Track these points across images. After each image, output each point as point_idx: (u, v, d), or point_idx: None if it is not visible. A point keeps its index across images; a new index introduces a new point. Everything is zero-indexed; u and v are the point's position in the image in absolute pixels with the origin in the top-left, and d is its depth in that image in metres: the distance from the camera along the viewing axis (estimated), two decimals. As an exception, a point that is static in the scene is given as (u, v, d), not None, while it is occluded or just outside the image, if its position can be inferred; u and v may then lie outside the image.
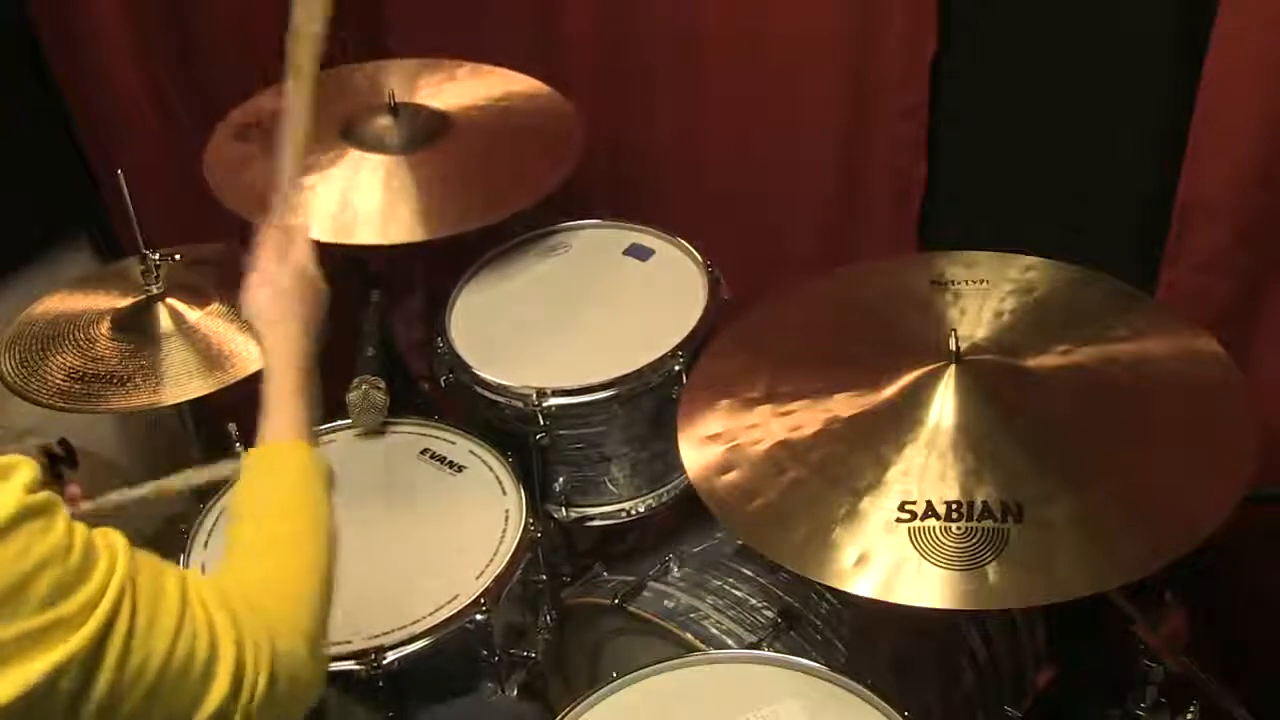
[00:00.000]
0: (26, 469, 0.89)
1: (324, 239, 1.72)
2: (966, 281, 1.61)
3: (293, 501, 1.15)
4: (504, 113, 2.04)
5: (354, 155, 1.91)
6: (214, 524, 1.70)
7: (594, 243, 2.03)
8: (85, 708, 0.90)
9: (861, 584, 1.27)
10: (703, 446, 1.47)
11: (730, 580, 1.69)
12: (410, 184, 1.87)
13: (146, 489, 1.51)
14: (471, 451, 1.80)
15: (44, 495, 0.89)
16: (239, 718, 0.98)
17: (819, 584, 1.51)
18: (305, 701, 1.06)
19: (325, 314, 1.32)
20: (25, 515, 0.87)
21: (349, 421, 1.80)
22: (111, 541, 0.94)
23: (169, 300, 1.81)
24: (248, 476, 1.17)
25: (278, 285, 1.30)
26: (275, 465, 1.18)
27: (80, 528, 0.91)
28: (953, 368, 1.43)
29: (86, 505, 1.41)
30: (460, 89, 2.07)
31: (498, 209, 1.87)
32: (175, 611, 0.95)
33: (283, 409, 1.21)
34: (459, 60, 2.14)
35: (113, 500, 1.47)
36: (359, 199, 1.84)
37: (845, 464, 1.38)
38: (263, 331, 1.27)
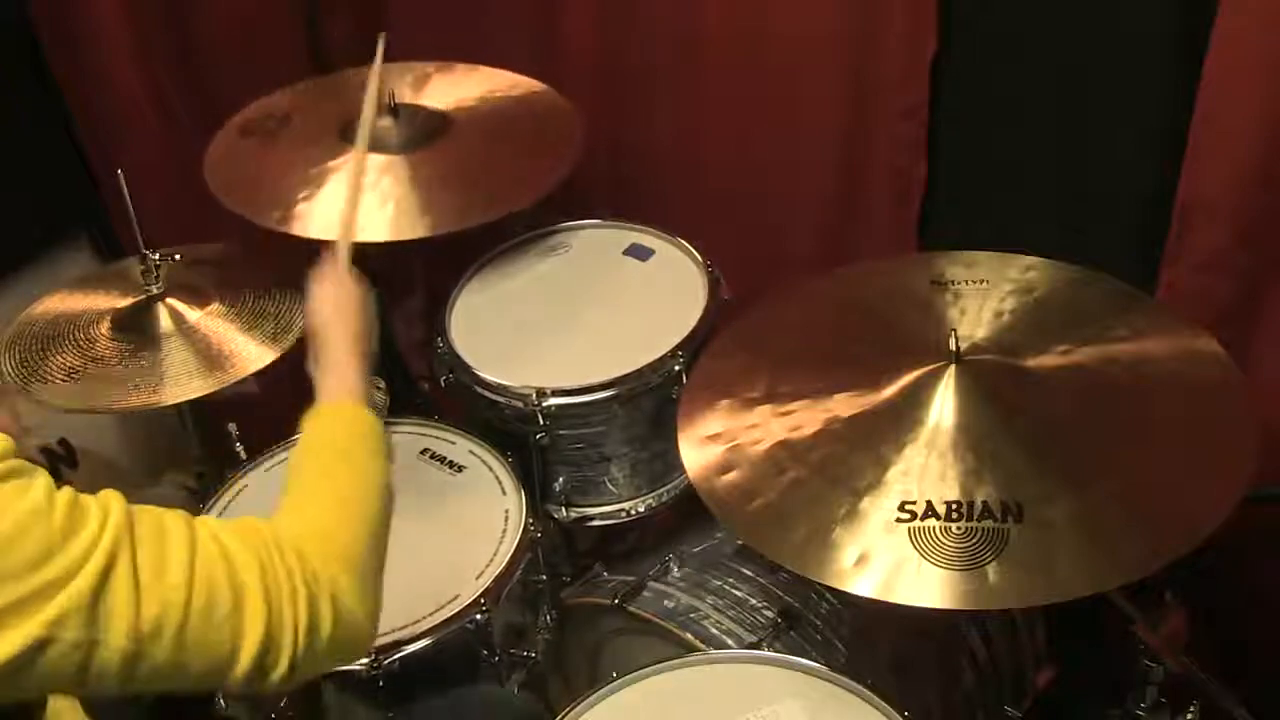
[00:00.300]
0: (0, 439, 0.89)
1: (325, 237, 1.73)
2: (966, 281, 1.61)
3: (343, 457, 1.16)
4: (503, 112, 2.03)
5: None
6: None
7: (594, 243, 2.03)
8: (104, 662, 0.89)
9: (861, 584, 1.27)
10: (703, 446, 1.47)
11: (730, 580, 1.69)
12: (410, 183, 1.86)
13: None
14: (471, 451, 1.80)
15: (16, 461, 0.89)
16: (286, 658, 0.96)
17: (819, 584, 1.51)
18: (358, 646, 1.04)
19: (374, 322, 1.39)
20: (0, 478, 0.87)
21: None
22: (104, 499, 0.93)
23: (169, 300, 1.81)
24: (305, 432, 1.19)
25: (340, 292, 1.36)
26: (330, 424, 1.20)
27: (66, 490, 0.91)
28: (953, 368, 1.43)
29: None
30: (459, 89, 2.07)
31: (497, 207, 1.87)
32: (185, 557, 0.93)
33: (344, 375, 1.25)
34: (458, 62, 2.14)
35: None
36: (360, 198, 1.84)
37: (845, 464, 1.38)
38: (327, 323, 1.33)
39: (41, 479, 0.90)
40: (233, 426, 1.84)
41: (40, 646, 0.86)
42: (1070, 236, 1.83)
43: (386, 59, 2.11)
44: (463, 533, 1.67)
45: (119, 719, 1.51)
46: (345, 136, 1.93)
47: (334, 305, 1.35)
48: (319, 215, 1.80)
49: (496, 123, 2.01)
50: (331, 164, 1.88)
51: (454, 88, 2.08)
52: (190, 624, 0.92)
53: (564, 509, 1.86)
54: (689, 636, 1.57)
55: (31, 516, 0.87)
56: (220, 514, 1.71)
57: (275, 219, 1.79)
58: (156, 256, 1.81)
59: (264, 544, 0.98)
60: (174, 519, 0.96)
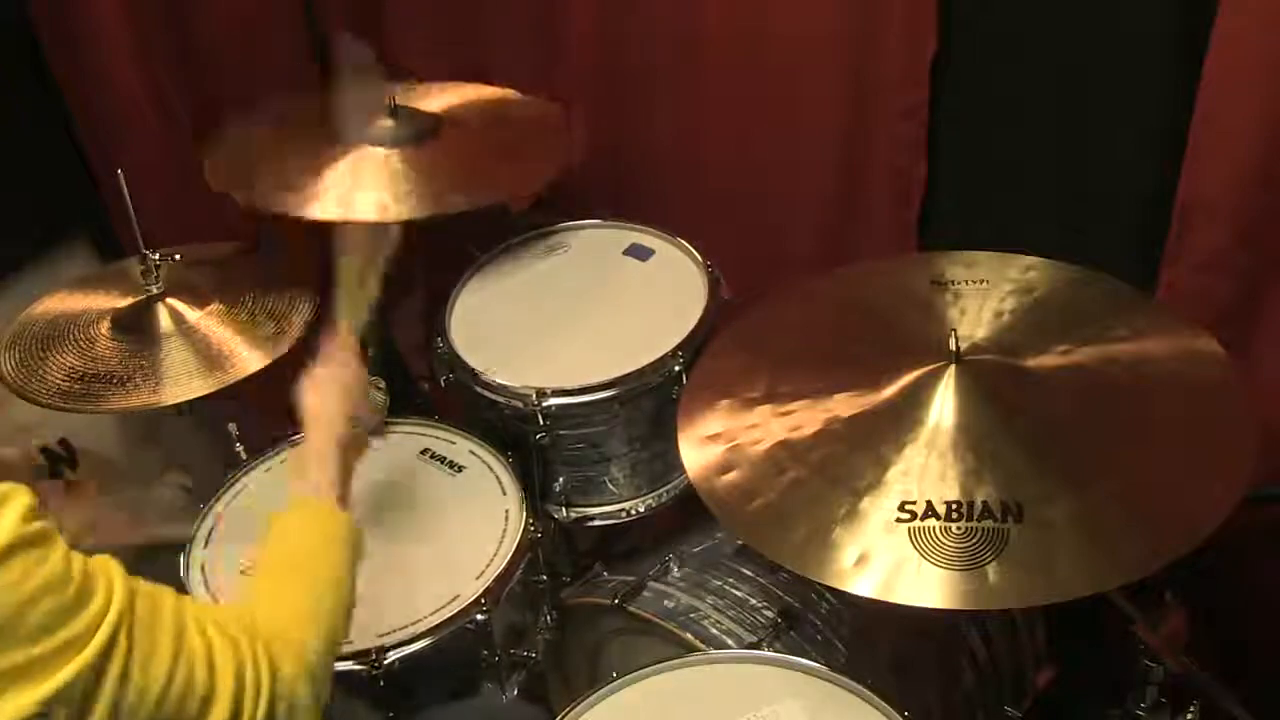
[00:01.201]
0: (23, 496, 0.90)
1: (330, 217, 1.74)
2: (966, 281, 1.61)
3: (316, 556, 1.21)
4: (496, 113, 2.03)
5: (357, 150, 1.89)
6: (211, 527, 1.70)
7: (594, 243, 2.03)
8: None
9: (861, 584, 1.27)
10: (703, 446, 1.47)
11: (730, 580, 1.69)
12: (408, 171, 1.86)
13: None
14: (471, 451, 1.80)
15: (40, 525, 0.90)
16: None
17: (819, 584, 1.51)
18: None
19: (365, 410, 1.46)
20: (21, 545, 0.88)
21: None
22: (108, 570, 0.95)
23: (169, 300, 1.81)
24: (279, 525, 1.23)
25: (329, 377, 1.42)
26: (306, 520, 1.25)
27: (77, 557, 0.93)
28: (953, 368, 1.43)
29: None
30: (456, 94, 2.08)
31: (493, 191, 1.87)
32: (172, 639, 0.97)
33: (322, 469, 1.30)
34: (457, 69, 2.14)
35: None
36: (362, 182, 1.83)
37: (845, 464, 1.38)
38: (308, 409, 1.38)
39: (59, 544, 0.92)
40: (233, 426, 1.84)
41: (43, 715, 0.88)
42: (1070, 236, 1.83)
43: (385, 62, 2.12)
44: (463, 533, 1.67)
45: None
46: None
47: (328, 389, 1.40)
48: (323, 201, 1.79)
49: (492, 122, 2.01)
50: (333, 159, 1.88)
51: (451, 93, 2.08)
52: (164, 708, 0.95)
53: (564, 509, 1.86)
54: (689, 636, 1.57)
55: (49, 585, 0.89)
56: (223, 509, 1.72)
57: (277, 201, 1.79)
58: (156, 256, 1.81)
59: (245, 644, 1.03)
60: (167, 603, 0.99)
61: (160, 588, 1.00)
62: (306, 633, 1.12)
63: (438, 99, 2.07)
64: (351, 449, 1.38)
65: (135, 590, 0.96)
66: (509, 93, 2.10)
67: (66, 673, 0.88)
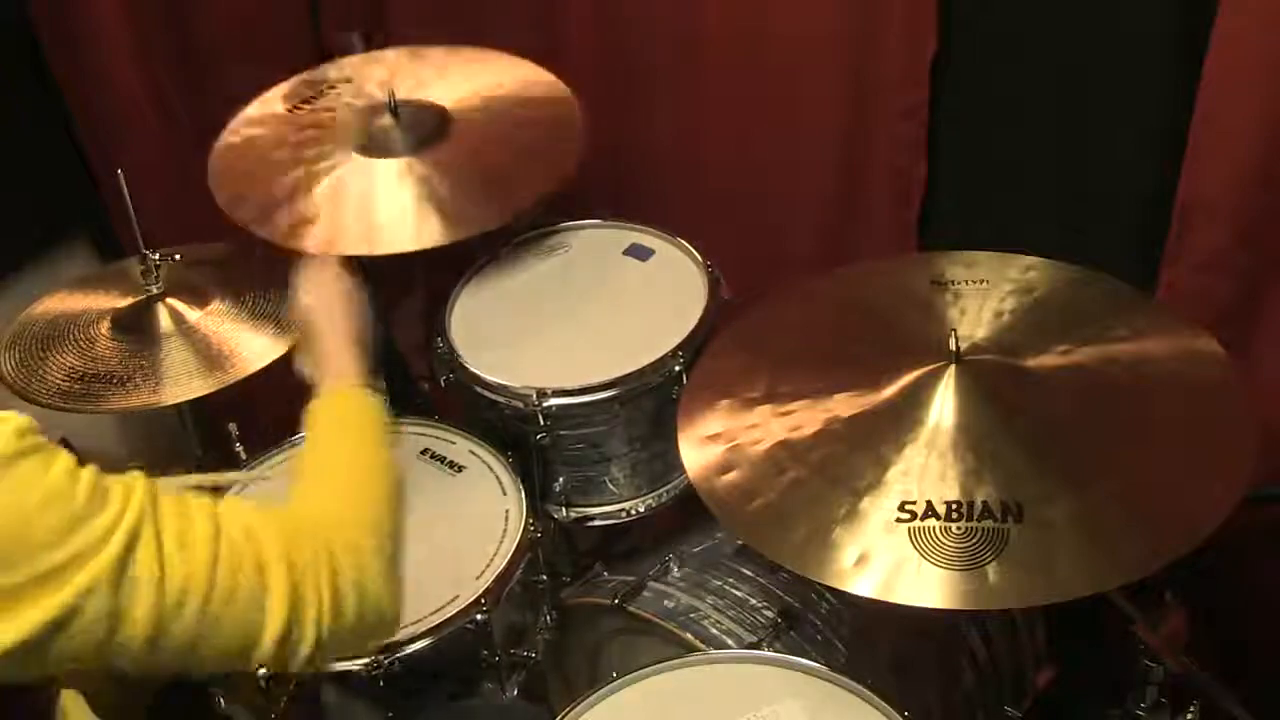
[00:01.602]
0: (16, 419, 0.90)
1: (355, 252, 1.70)
2: (966, 281, 1.61)
3: (356, 439, 1.17)
4: (503, 103, 1.97)
5: (359, 161, 1.85)
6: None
7: (594, 243, 2.03)
8: (127, 637, 0.89)
9: (861, 584, 1.27)
10: (703, 446, 1.47)
11: (730, 580, 1.69)
12: (426, 187, 1.81)
13: None
14: (471, 451, 1.80)
15: (35, 439, 0.90)
16: (310, 639, 0.96)
17: (819, 584, 1.51)
18: (384, 625, 1.04)
19: (367, 313, 1.40)
20: (16, 456, 0.88)
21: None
22: (128, 479, 0.94)
23: (169, 300, 1.81)
24: (312, 419, 1.19)
25: (328, 281, 1.39)
26: (337, 409, 1.21)
27: (89, 468, 0.92)
28: (953, 368, 1.43)
29: None
30: (459, 81, 2.02)
31: (516, 202, 1.84)
32: (208, 534, 0.93)
33: (341, 364, 1.26)
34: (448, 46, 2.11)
35: None
36: (371, 207, 1.80)
37: (845, 464, 1.38)
38: (317, 313, 1.35)
39: (63, 455, 0.91)
40: (233, 426, 1.84)
41: (68, 618, 0.87)
42: (1070, 236, 1.83)
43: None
44: (463, 533, 1.67)
45: (123, 713, 1.51)
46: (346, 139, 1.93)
47: (322, 292, 1.36)
48: (335, 226, 1.76)
49: (498, 116, 1.96)
50: (338, 172, 1.87)
51: (452, 80, 2.03)
52: (214, 600, 0.92)
53: (564, 509, 1.86)
54: (689, 636, 1.57)
55: (56, 490, 0.88)
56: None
57: (278, 230, 1.76)
58: (156, 256, 1.81)
59: (289, 528, 0.99)
60: (197, 500, 0.96)
61: (193, 496, 0.97)
62: (360, 510, 1.07)
63: (440, 81, 2.01)
64: (363, 345, 1.33)
65: (161, 494, 0.93)
66: (516, 63, 2.05)
67: (87, 574, 0.87)
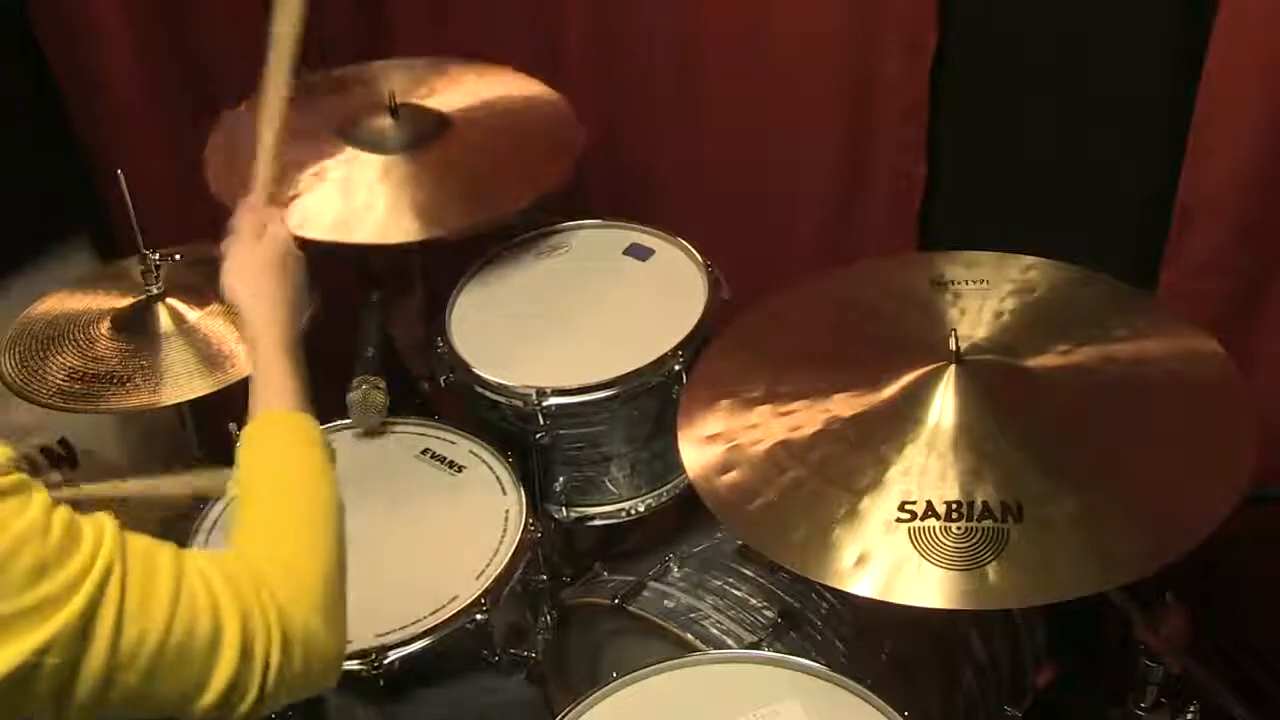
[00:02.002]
0: None
1: (324, 238, 1.74)
2: (966, 281, 1.61)
3: (290, 474, 1.13)
4: (504, 113, 2.03)
5: (353, 155, 1.90)
6: (214, 522, 1.69)
7: (594, 243, 2.03)
8: (78, 686, 0.88)
9: (861, 584, 1.27)
10: (703, 446, 1.47)
11: (730, 580, 1.69)
12: (410, 184, 1.86)
13: (133, 485, 1.51)
14: (471, 451, 1.80)
15: (17, 476, 0.88)
16: (254, 693, 0.96)
17: (819, 584, 1.51)
18: (326, 675, 1.04)
19: (307, 285, 1.32)
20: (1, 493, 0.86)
21: (349, 421, 1.80)
22: (99, 522, 0.92)
23: (169, 300, 1.81)
24: (244, 454, 1.15)
25: (257, 260, 1.30)
26: (269, 439, 1.17)
27: (62, 509, 0.90)
28: (953, 368, 1.43)
29: (67, 492, 1.40)
30: (460, 90, 2.07)
31: (498, 209, 1.87)
32: (170, 588, 0.92)
33: (271, 381, 1.21)
34: (459, 59, 2.13)
35: (96, 491, 1.47)
36: (359, 199, 1.84)
37: (845, 464, 1.38)
38: (244, 307, 1.28)
39: (39, 496, 0.89)
40: (233, 426, 1.84)
41: (31, 667, 0.86)
42: (1070, 236, 1.83)
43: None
44: (463, 533, 1.67)
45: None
46: (345, 136, 1.94)
47: (251, 278, 1.29)
48: (319, 215, 1.80)
49: (496, 123, 2.01)
50: (331, 164, 1.88)
51: (454, 89, 2.07)
52: (165, 655, 0.92)
53: (564, 509, 1.86)
54: (689, 636, 1.57)
55: (34, 530, 0.87)
56: (220, 510, 1.71)
57: None
58: (156, 256, 1.81)
59: (241, 580, 0.98)
60: (162, 550, 0.95)
61: (157, 540, 0.96)
62: (308, 557, 1.05)
63: (443, 91, 2.05)
64: (297, 326, 1.27)
65: (127, 542, 0.92)
66: (517, 78, 2.09)
67: (53, 624, 0.86)
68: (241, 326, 1.27)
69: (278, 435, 1.17)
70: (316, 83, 2.08)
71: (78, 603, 0.87)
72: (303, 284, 1.32)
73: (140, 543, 0.94)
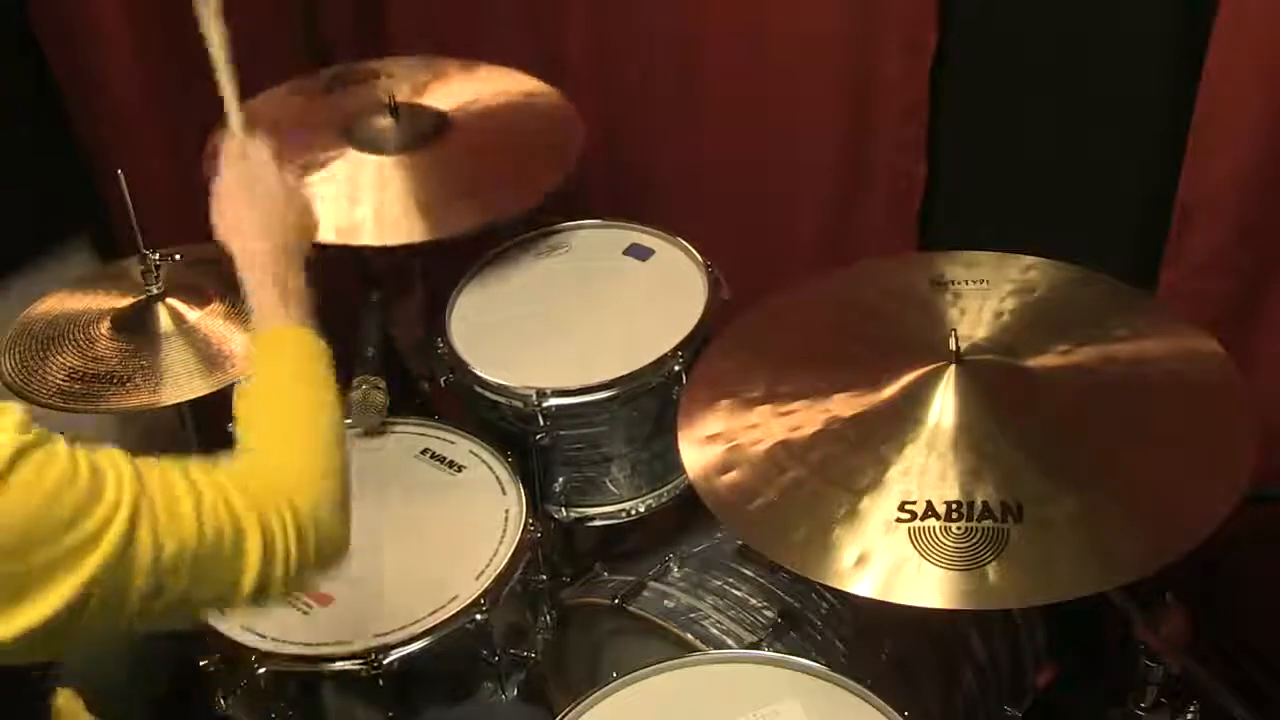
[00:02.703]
0: (13, 411, 0.94)
1: (325, 241, 1.74)
2: (966, 281, 1.61)
3: (295, 383, 1.21)
4: (504, 113, 2.03)
5: (354, 156, 1.91)
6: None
7: (594, 243, 2.03)
8: (126, 607, 0.96)
9: (861, 584, 1.27)
10: (703, 446, 1.47)
11: (730, 580, 1.69)
12: (409, 185, 1.87)
13: None
14: (471, 451, 1.80)
15: (37, 431, 0.94)
16: (279, 582, 1.06)
17: (819, 584, 1.51)
18: (338, 557, 1.13)
19: (302, 212, 1.34)
20: (25, 449, 0.92)
21: (349, 421, 1.80)
22: (112, 457, 0.99)
23: (169, 300, 1.81)
24: (251, 366, 1.23)
25: (234, 188, 1.32)
26: (272, 353, 1.23)
27: (81, 452, 0.97)
28: (953, 368, 1.43)
29: None
30: (460, 89, 2.07)
31: (498, 209, 1.87)
32: (191, 501, 1.00)
33: (265, 300, 1.25)
34: (458, 59, 2.14)
35: None
36: (359, 200, 1.84)
37: (845, 464, 1.38)
38: (229, 240, 1.30)
39: (60, 445, 0.96)
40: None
41: (83, 597, 0.92)
42: (1070, 236, 1.83)
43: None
44: (463, 533, 1.67)
45: (122, 713, 1.51)
46: (345, 136, 1.94)
47: (230, 210, 1.30)
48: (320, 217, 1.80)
49: (496, 123, 2.01)
50: (331, 165, 1.88)
51: (454, 88, 2.07)
52: (201, 560, 0.99)
53: (564, 509, 1.86)
54: (689, 636, 1.57)
55: (66, 476, 0.93)
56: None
57: None
58: (156, 256, 1.80)
59: (252, 481, 1.07)
60: (174, 472, 1.02)
61: (166, 463, 1.03)
62: (312, 465, 1.13)
63: (443, 92, 2.06)
64: (293, 252, 1.29)
65: (142, 469, 1.00)
66: (517, 77, 2.09)
67: (95, 558, 0.93)
68: (236, 261, 1.30)
69: (280, 350, 1.23)
70: (318, 84, 2.09)
71: (114, 536, 0.94)
72: (296, 203, 1.33)
73: (154, 469, 1.01)
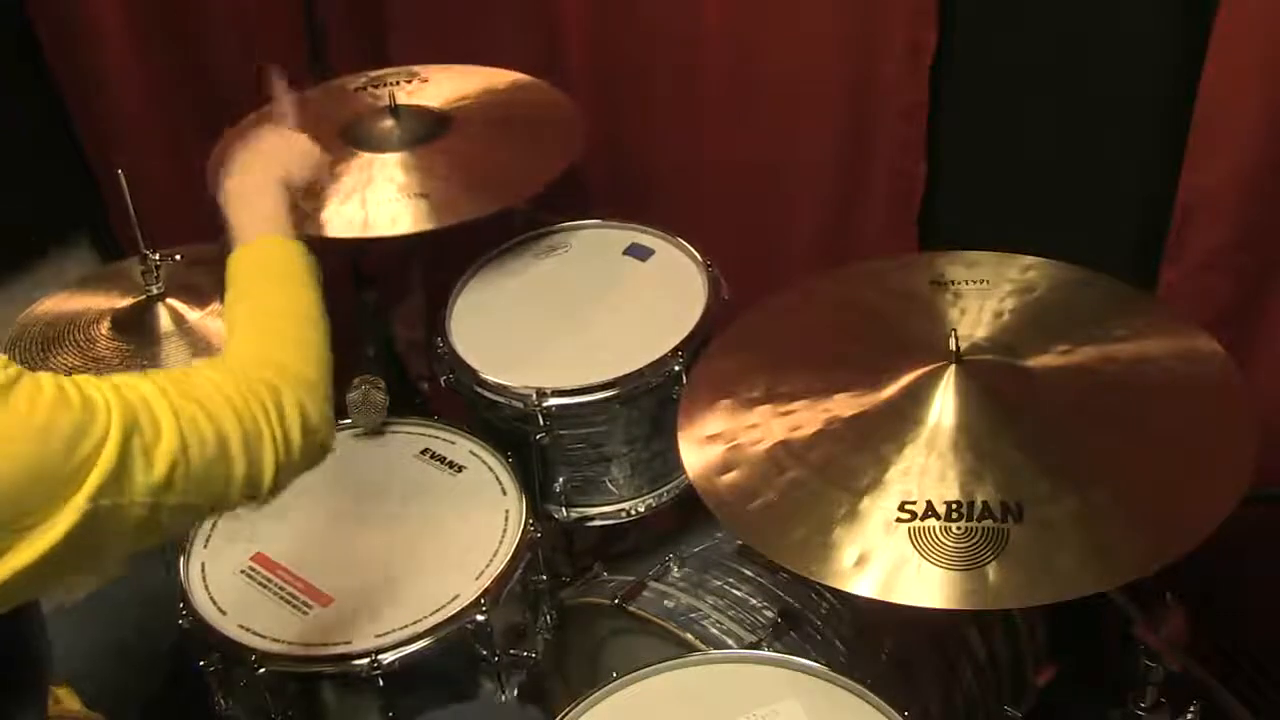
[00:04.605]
0: None
1: (328, 235, 1.75)
2: (966, 281, 1.61)
3: (280, 286, 1.27)
4: (503, 107, 2.04)
5: (356, 156, 1.91)
6: (211, 524, 1.70)
7: (594, 243, 2.03)
8: (129, 518, 1.01)
9: (861, 584, 1.27)
10: (703, 446, 1.47)
11: (730, 580, 1.69)
12: (411, 180, 1.87)
13: None
14: (471, 451, 1.80)
15: (15, 368, 0.98)
16: (269, 477, 1.12)
17: (819, 584, 1.51)
18: (323, 451, 1.20)
19: (305, 150, 1.48)
20: (10, 383, 0.96)
21: (349, 421, 1.80)
22: (92, 382, 1.03)
23: (169, 300, 1.81)
24: (235, 274, 1.29)
25: (244, 144, 1.44)
26: (260, 260, 1.29)
27: (64, 379, 1.01)
28: (953, 368, 1.43)
29: None
30: (460, 89, 2.08)
31: (501, 197, 1.87)
32: (172, 424, 1.04)
33: (258, 207, 1.34)
34: (459, 59, 2.14)
35: None
36: (364, 197, 1.85)
37: (845, 464, 1.38)
38: (226, 185, 1.40)
39: (45, 376, 1.00)
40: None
41: (91, 515, 0.97)
42: (1070, 236, 1.83)
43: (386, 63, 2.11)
44: (463, 533, 1.67)
45: (120, 712, 1.51)
46: (347, 138, 1.94)
47: (241, 146, 1.40)
48: (329, 217, 1.80)
49: (496, 117, 2.02)
50: (336, 167, 1.88)
51: (452, 87, 2.08)
52: (192, 470, 1.05)
53: (564, 509, 1.86)
54: (689, 636, 1.57)
55: (58, 402, 0.97)
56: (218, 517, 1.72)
57: None
58: (156, 256, 1.80)
59: (232, 377, 1.12)
60: (150, 390, 1.06)
61: (139, 377, 1.07)
62: (296, 352, 1.20)
63: (440, 91, 2.06)
64: (282, 184, 1.40)
65: (119, 386, 1.03)
66: (515, 78, 2.10)
67: (97, 473, 0.97)
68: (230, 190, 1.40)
69: (267, 256, 1.30)
70: (319, 91, 2.09)
71: (110, 451, 0.99)
72: (293, 142, 1.45)
73: (130, 390, 1.04)
